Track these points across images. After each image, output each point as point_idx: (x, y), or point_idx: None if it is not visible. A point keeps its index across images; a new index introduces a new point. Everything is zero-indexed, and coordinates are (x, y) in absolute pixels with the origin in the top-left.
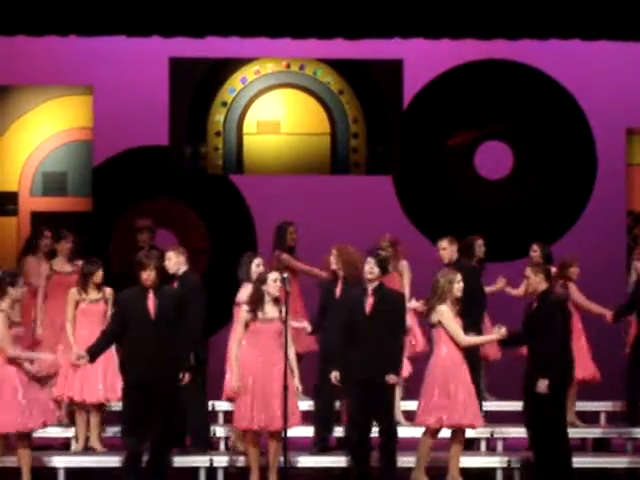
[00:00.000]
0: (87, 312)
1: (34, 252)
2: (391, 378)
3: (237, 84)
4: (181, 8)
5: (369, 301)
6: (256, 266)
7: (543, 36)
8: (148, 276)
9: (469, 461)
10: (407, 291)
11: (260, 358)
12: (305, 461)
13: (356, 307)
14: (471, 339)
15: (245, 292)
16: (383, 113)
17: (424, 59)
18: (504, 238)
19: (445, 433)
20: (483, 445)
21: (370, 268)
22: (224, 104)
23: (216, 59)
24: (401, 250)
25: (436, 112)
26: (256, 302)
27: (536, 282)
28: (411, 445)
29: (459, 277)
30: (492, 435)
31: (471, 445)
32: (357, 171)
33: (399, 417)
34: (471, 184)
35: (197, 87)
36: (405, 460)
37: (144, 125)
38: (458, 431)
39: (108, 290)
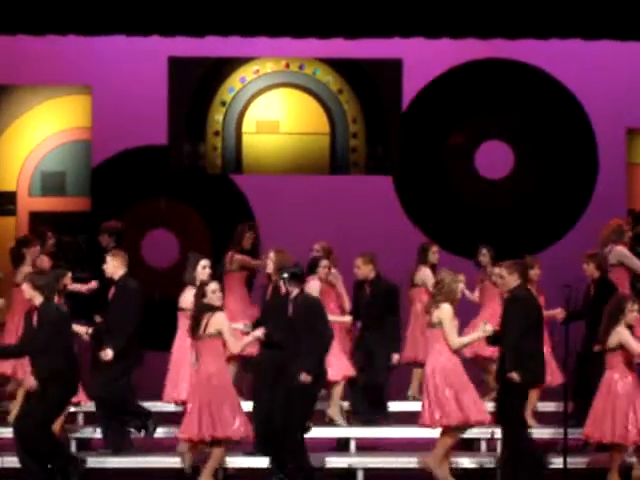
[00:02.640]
0: None
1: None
2: (303, 376)
3: (236, 83)
4: (180, 7)
5: (290, 308)
6: (202, 268)
7: (544, 35)
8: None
9: (470, 461)
10: (345, 299)
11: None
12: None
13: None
14: (462, 340)
15: (188, 296)
16: (382, 113)
17: (424, 58)
18: (504, 238)
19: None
20: (483, 445)
21: (282, 283)
22: (223, 103)
23: (215, 58)
24: (333, 259)
25: (436, 112)
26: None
27: (512, 280)
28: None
29: (462, 278)
30: (492, 435)
31: (471, 445)
32: (356, 171)
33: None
34: (471, 184)
35: (196, 86)
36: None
37: (143, 125)
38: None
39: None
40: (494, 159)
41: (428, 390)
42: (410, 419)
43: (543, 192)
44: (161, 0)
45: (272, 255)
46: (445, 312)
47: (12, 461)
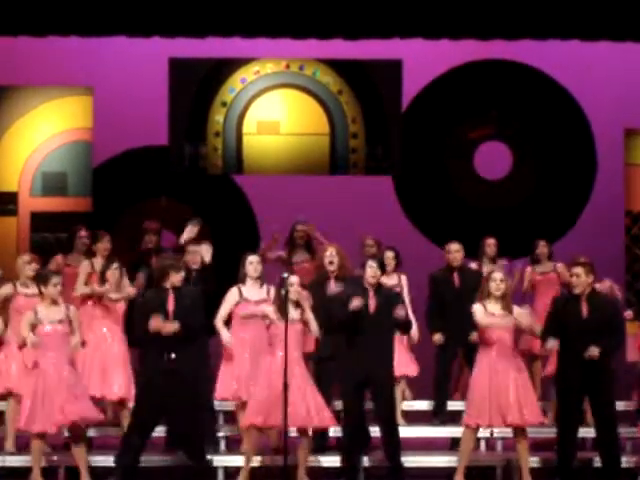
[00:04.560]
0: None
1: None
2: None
3: (237, 84)
4: (181, 8)
5: (371, 302)
6: (249, 264)
7: (542, 36)
8: (180, 278)
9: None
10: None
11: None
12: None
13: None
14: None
15: (232, 294)
16: (382, 113)
17: (423, 59)
18: (504, 238)
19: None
20: (483, 444)
21: (374, 272)
22: (224, 104)
23: (216, 59)
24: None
25: (435, 112)
26: (279, 304)
27: (587, 282)
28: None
29: (495, 275)
30: (492, 435)
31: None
32: (356, 171)
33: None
34: (470, 184)
35: (197, 87)
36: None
37: (144, 125)
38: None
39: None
40: (493, 160)
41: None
42: (411, 418)
43: (542, 193)
44: (162, 1)
45: (334, 250)
46: (473, 312)
47: (14, 460)
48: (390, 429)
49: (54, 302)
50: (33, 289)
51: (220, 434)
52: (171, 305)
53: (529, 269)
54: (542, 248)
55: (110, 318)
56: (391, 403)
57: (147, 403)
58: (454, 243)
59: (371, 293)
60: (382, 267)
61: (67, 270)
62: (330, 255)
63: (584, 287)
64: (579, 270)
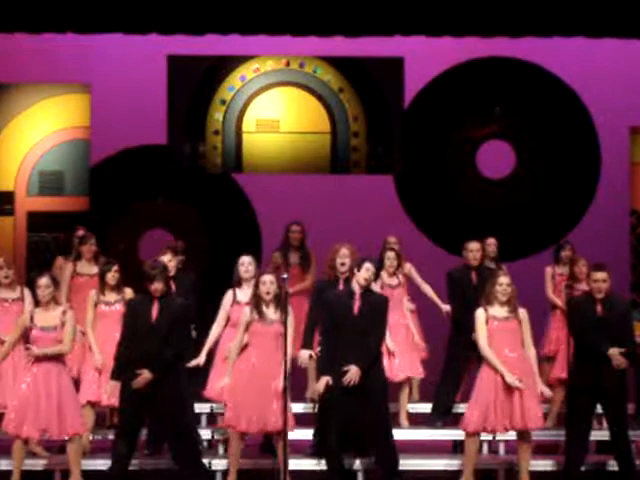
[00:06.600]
0: (104, 314)
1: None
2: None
3: (236, 82)
4: (179, 5)
5: (356, 304)
6: (240, 265)
7: (546, 33)
8: (156, 288)
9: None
10: (428, 289)
11: (257, 360)
12: (302, 464)
13: (343, 309)
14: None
15: (227, 296)
16: (384, 111)
17: (425, 57)
18: (507, 238)
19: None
20: (485, 447)
21: (368, 275)
22: (223, 102)
23: (215, 57)
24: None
25: (437, 110)
26: (254, 304)
27: (609, 285)
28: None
29: (501, 280)
30: (494, 437)
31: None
32: (357, 170)
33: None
34: (473, 183)
35: (196, 85)
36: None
37: (142, 124)
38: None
39: (128, 290)
40: (496, 158)
41: None
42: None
43: (546, 191)
44: None
45: (347, 252)
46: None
47: (7, 464)
48: (381, 436)
49: (46, 306)
50: (4, 294)
51: (218, 437)
52: (155, 314)
53: (550, 269)
54: (568, 251)
55: (107, 321)
56: (382, 410)
57: (131, 409)
58: (473, 242)
59: (357, 295)
60: (379, 270)
61: (77, 280)
62: (343, 255)
63: (606, 291)
64: (605, 275)
